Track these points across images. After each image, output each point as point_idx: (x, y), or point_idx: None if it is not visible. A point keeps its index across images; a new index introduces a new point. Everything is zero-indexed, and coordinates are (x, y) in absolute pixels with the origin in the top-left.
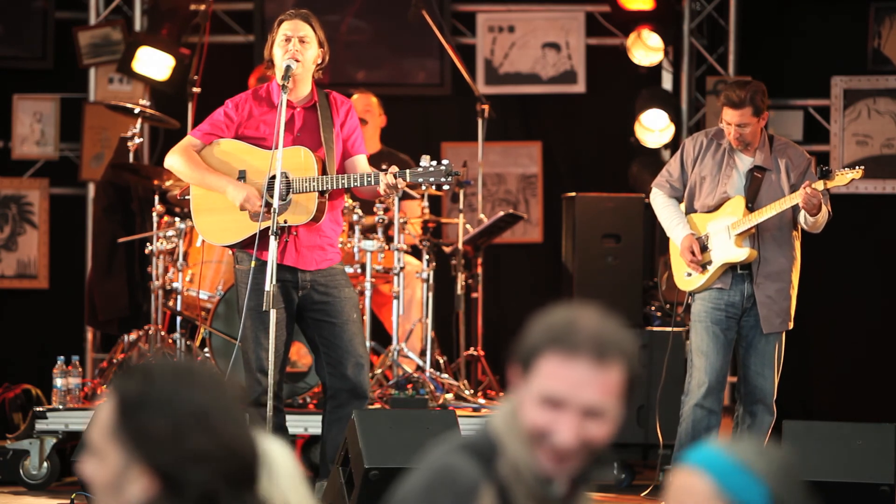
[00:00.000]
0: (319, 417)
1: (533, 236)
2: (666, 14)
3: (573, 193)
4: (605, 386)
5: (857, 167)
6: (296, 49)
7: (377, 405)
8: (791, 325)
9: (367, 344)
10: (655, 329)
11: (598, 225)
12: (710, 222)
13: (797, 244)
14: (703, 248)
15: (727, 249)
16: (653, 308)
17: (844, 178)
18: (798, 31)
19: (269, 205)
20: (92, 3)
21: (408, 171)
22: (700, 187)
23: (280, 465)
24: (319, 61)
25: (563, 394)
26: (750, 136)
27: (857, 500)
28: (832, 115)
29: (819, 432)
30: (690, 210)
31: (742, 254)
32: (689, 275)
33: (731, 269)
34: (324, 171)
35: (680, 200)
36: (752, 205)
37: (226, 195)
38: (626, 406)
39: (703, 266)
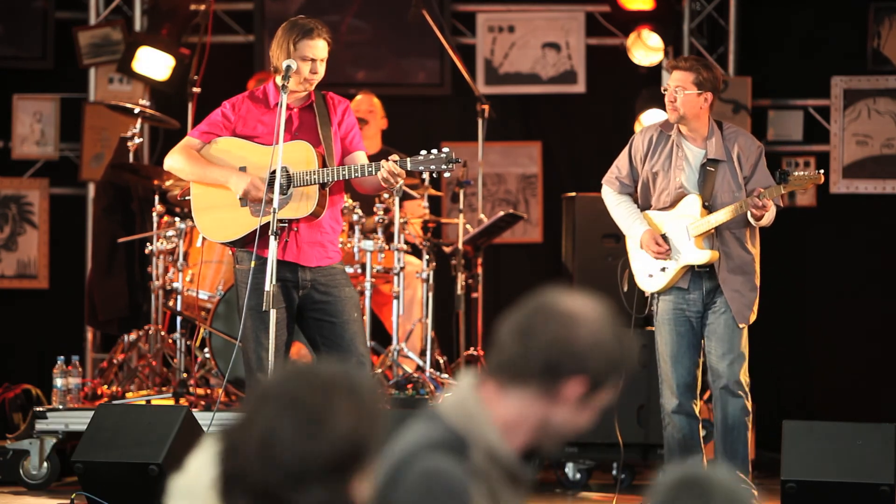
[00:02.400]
0: None
1: (533, 236)
2: (666, 14)
3: (573, 193)
4: None
5: (818, 171)
6: (315, 73)
7: None
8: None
9: (367, 344)
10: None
11: (598, 225)
12: (668, 222)
13: (755, 233)
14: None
15: (689, 252)
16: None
17: (803, 182)
18: (798, 31)
19: (270, 202)
20: (92, 3)
21: (408, 158)
22: (653, 183)
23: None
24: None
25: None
26: (685, 108)
27: (857, 500)
28: (832, 115)
29: (819, 432)
30: (646, 207)
31: (704, 256)
32: (651, 276)
33: (689, 268)
34: (324, 166)
35: (632, 196)
36: (708, 203)
37: (228, 186)
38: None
39: (663, 268)
